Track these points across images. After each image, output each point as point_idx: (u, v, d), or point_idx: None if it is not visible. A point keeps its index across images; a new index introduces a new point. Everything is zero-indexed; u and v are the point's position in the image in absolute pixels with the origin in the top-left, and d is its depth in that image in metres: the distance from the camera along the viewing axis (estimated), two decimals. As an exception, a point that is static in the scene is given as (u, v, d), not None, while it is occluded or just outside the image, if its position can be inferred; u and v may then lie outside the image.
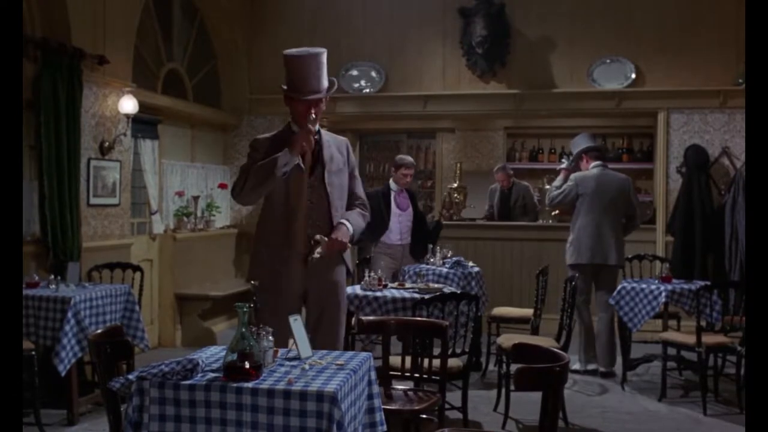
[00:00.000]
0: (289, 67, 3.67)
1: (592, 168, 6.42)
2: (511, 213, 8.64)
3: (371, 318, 4.09)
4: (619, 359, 6.14)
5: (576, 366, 6.20)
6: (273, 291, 3.67)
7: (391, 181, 6.96)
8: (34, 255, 5.56)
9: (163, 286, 7.35)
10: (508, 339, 5.16)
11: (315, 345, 3.21)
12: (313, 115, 3.63)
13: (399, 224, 6.80)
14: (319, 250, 3.64)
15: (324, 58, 3.67)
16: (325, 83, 3.69)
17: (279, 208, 3.69)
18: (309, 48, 3.70)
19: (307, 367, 2.84)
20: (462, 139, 10.58)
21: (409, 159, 7.04)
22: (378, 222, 6.54)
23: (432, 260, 6.56)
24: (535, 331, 5.90)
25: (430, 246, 6.73)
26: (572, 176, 6.45)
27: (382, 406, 3.09)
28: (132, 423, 2.65)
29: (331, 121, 9.40)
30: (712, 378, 5.54)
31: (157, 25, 7.50)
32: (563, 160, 6.85)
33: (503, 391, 4.99)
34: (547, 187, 7.12)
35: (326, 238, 3.67)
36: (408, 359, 3.88)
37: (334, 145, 3.85)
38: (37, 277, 5.13)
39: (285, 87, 3.72)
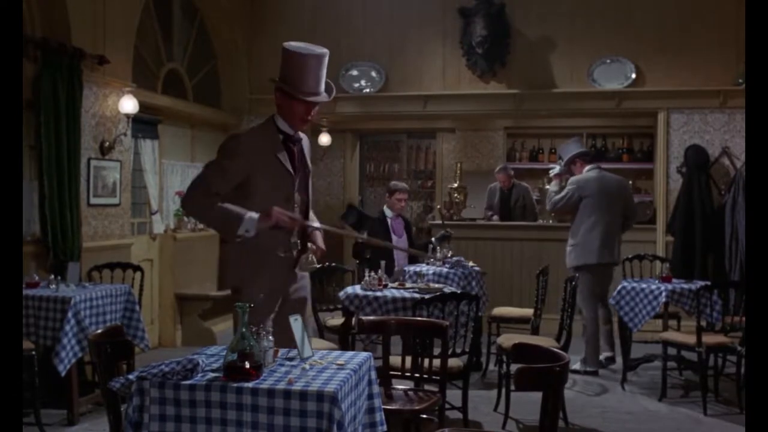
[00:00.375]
0: (291, 64, 3.45)
1: (588, 171, 6.45)
2: (511, 213, 8.65)
3: (371, 318, 4.09)
4: (619, 359, 6.15)
5: (576, 366, 6.20)
6: (258, 294, 3.44)
7: (385, 207, 6.96)
8: (34, 255, 5.56)
9: (163, 286, 7.35)
10: (508, 339, 5.16)
11: None
12: (311, 117, 3.59)
13: (396, 251, 6.76)
14: (311, 258, 3.64)
15: (326, 60, 3.51)
16: (323, 85, 3.55)
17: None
18: (312, 46, 3.49)
19: (307, 367, 2.84)
20: (462, 139, 10.59)
21: (403, 184, 7.08)
22: (385, 252, 6.46)
23: (432, 260, 6.56)
24: (535, 331, 5.90)
25: (431, 246, 6.72)
26: (572, 180, 6.48)
27: (383, 406, 3.09)
28: (132, 423, 2.65)
29: (331, 121, 9.43)
30: (712, 378, 5.54)
31: (157, 25, 7.50)
32: (555, 166, 6.88)
33: (503, 391, 4.99)
34: (548, 187, 7.13)
35: (314, 247, 3.65)
36: (408, 359, 3.88)
37: (306, 148, 3.71)
38: (37, 277, 5.12)
39: (277, 80, 3.49)
